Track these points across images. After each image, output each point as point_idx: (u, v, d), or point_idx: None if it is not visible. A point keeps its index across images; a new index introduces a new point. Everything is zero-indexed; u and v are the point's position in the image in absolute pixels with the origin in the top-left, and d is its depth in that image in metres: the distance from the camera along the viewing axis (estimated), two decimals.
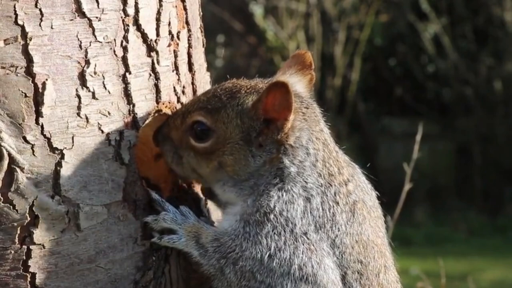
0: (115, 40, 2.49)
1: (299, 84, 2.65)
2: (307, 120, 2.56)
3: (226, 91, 2.58)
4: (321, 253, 2.50)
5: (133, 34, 2.52)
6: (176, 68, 2.66)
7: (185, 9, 2.69)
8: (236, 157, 2.53)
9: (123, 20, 2.50)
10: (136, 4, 2.52)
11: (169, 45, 2.62)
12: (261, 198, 2.51)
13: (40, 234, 2.39)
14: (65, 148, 2.41)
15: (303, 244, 2.49)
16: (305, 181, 2.52)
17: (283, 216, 2.49)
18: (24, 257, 2.39)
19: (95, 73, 2.45)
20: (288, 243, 2.48)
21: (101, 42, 2.46)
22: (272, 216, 2.49)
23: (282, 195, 2.51)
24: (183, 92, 2.69)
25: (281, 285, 2.47)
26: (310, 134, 2.55)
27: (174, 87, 2.65)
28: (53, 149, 2.40)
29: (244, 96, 2.55)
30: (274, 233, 2.48)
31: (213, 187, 2.61)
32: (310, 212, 2.51)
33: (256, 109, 2.52)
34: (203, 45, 2.85)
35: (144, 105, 2.56)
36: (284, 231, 2.49)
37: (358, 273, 2.54)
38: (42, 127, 2.38)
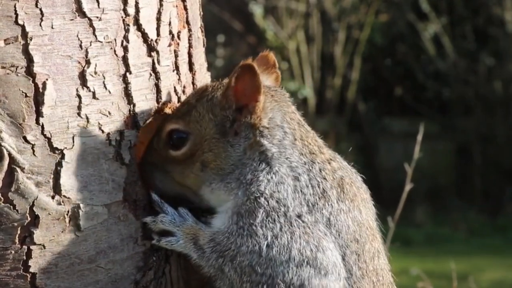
0: (115, 40, 2.49)
1: (266, 83, 2.67)
2: (277, 101, 2.59)
3: (193, 95, 2.62)
4: (318, 235, 2.49)
5: (133, 34, 2.52)
6: (177, 68, 2.66)
7: (185, 9, 2.69)
8: (215, 151, 2.55)
9: (123, 20, 2.50)
10: (137, 3, 2.52)
11: (169, 45, 2.62)
12: (250, 187, 2.51)
13: (40, 234, 2.39)
14: (66, 148, 2.41)
15: (298, 228, 2.48)
16: (289, 160, 2.54)
17: (274, 198, 2.49)
18: (25, 257, 2.39)
19: (95, 73, 2.45)
20: (284, 229, 2.47)
21: (101, 42, 2.46)
22: (262, 199, 2.49)
23: (272, 177, 2.51)
24: (183, 92, 2.69)
25: (282, 273, 2.46)
26: (284, 114, 2.58)
27: (174, 87, 2.65)
28: (53, 149, 2.40)
29: (212, 92, 2.58)
30: (269, 220, 2.48)
31: (202, 192, 2.58)
32: (301, 191, 2.51)
33: (226, 98, 2.55)
34: (204, 45, 2.85)
35: (144, 105, 2.56)
36: (278, 216, 2.48)
37: (355, 254, 2.53)
38: (42, 127, 2.38)
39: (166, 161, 2.58)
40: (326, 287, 2.47)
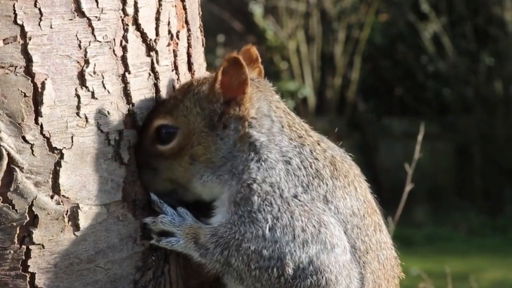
0: (114, 39, 2.48)
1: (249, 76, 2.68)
2: (262, 91, 2.62)
3: (179, 90, 2.62)
4: (317, 211, 2.50)
5: (132, 34, 2.52)
6: (176, 67, 2.66)
7: (184, 8, 2.69)
8: (205, 145, 2.55)
9: (122, 20, 2.50)
10: (136, 3, 2.52)
11: (168, 45, 2.62)
12: (243, 176, 2.52)
13: (39, 234, 2.39)
14: (65, 147, 2.41)
15: (297, 207, 2.49)
16: (279, 146, 2.56)
17: (266, 183, 2.51)
18: (24, 257, 2.39)
19: (94, 72, 2.45)
20: (282, 210, 2.48)
21: (100, 41, 2.46)
22: (255, 185, 2.50)
23: (262, 164, 2.53)
24: None
25: (289, 253, 2.46)
26: (270, 103, 2.60)
27: (173, 87, 2.65)
28: (52, 148, 2.40)
29: (198, 87, 2.59)
30: (266, 204, 2.49)
31: (193, 184, 2.58)
32: (294, 173, 2.53)
33: (214, 91, 2.56)
34: (203, 44, 2.85)
35: (143, 105, 2.56)
36: (274, 199, 2.50)
37: (357, 227, 2.55)
38: (41, 126, 2.38)
39: (152, 157, 2.57)
40: (335, 261, 2.48)
